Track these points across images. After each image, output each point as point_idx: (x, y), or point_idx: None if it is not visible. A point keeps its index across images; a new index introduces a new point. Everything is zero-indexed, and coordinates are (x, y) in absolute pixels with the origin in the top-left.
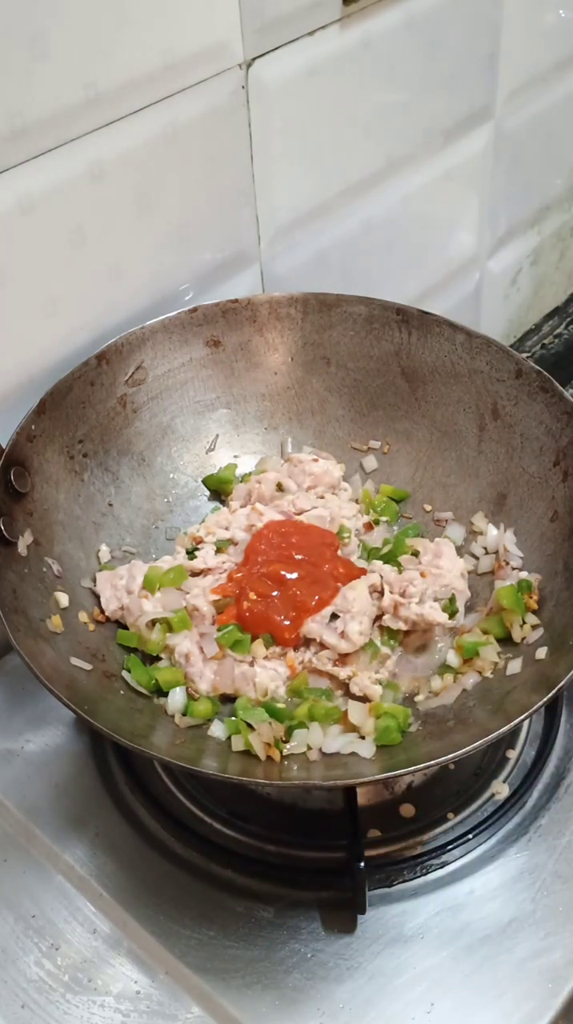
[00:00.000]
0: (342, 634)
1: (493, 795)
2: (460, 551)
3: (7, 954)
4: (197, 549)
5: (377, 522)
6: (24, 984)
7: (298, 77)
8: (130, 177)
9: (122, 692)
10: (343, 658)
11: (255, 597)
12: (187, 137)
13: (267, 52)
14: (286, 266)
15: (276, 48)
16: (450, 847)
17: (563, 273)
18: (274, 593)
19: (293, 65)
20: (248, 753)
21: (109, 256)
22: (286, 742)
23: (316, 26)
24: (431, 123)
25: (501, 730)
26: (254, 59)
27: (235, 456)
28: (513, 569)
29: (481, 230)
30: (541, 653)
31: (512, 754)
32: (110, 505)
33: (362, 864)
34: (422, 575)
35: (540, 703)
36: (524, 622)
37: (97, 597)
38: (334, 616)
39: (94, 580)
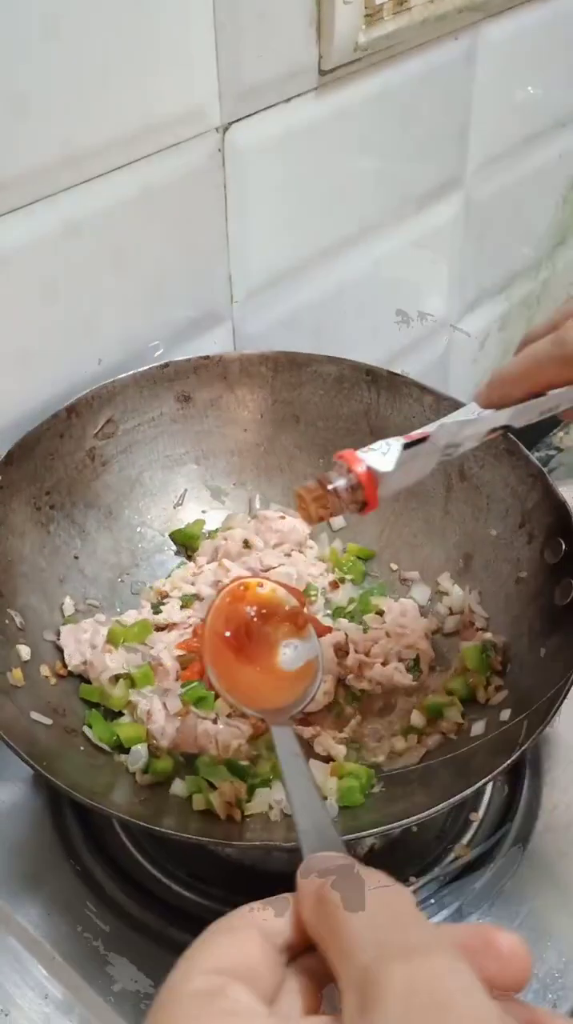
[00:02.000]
0: None
1: (456, 858)
2: (425, 611)
3: None
4: (162, 604)
5: (342, 580)
6: None
7: (274, 142)
8: (105, 235)
9: (82, 748)
10: (307, 717)
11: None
12: (163, 197)
13: (244, 117)
14: (258, 325)
15: (253, 113)
16: None
17: None
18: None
19: (269, 130)
20: (209, 812)
21: (82, 311)
22: (248, 801)
23: (293, 94)
24: (403, 190)
25: (463, 793)
26: (231, 123)
27: (203, 511)
28: (478, 630)
29: (450, 295)
30: (505, 715)
31: (475, 817)
32: (75, 558)
33: None
34: (386, 635)
35: (503, 766)
36: (489, 683)
37: (60, 650)
38: None
39: (57, 633)
